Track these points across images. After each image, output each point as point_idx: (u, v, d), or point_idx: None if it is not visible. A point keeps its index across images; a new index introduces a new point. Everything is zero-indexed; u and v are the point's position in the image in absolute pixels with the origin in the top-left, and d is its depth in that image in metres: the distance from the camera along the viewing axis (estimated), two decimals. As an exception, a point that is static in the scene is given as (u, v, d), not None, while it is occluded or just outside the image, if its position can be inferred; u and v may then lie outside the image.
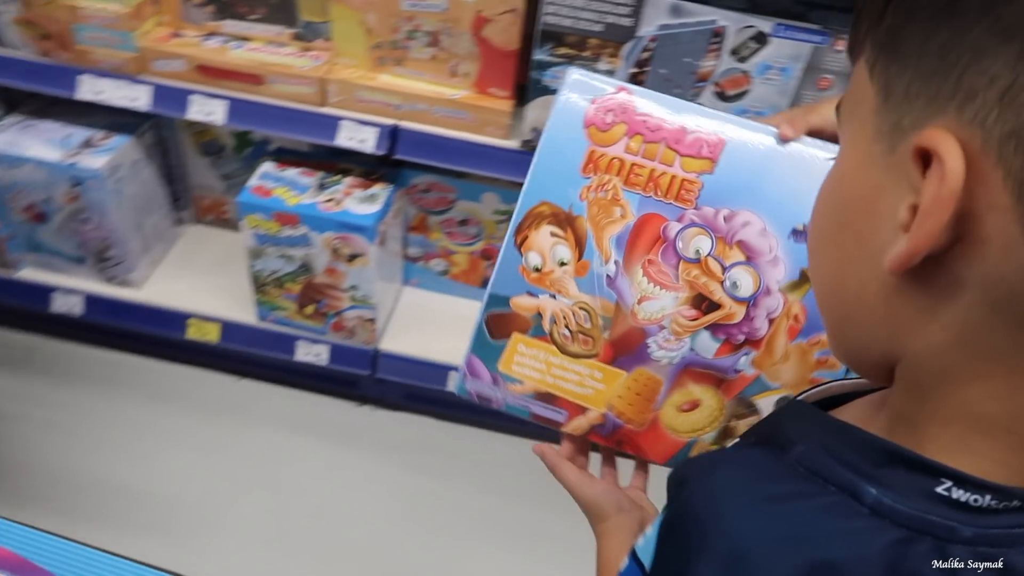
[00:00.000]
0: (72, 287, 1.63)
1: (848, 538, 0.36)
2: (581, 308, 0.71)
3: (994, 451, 0.37)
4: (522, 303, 0.72)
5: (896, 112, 0.35)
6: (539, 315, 0.72)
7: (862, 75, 0.38)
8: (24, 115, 1.54)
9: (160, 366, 1.76)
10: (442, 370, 1.52)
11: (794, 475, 0.39)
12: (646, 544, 0.43)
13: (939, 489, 0.36)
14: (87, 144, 1.49)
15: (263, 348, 1.56)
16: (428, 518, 1.55)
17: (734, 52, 1.14)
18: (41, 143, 1.48)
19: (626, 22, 1.13)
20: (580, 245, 0.70)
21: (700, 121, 0.69)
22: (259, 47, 1.37)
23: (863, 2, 0.37)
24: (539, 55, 1.18)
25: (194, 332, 1.58)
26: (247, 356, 1.65)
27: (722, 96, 1.19)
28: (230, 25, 1.38)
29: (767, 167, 0.67)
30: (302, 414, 1.69)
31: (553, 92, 1.20)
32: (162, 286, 1.64)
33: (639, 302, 0.70)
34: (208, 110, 1.38)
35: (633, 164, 0.68)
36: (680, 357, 0.71)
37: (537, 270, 0.71)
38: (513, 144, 1.30)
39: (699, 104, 0.70)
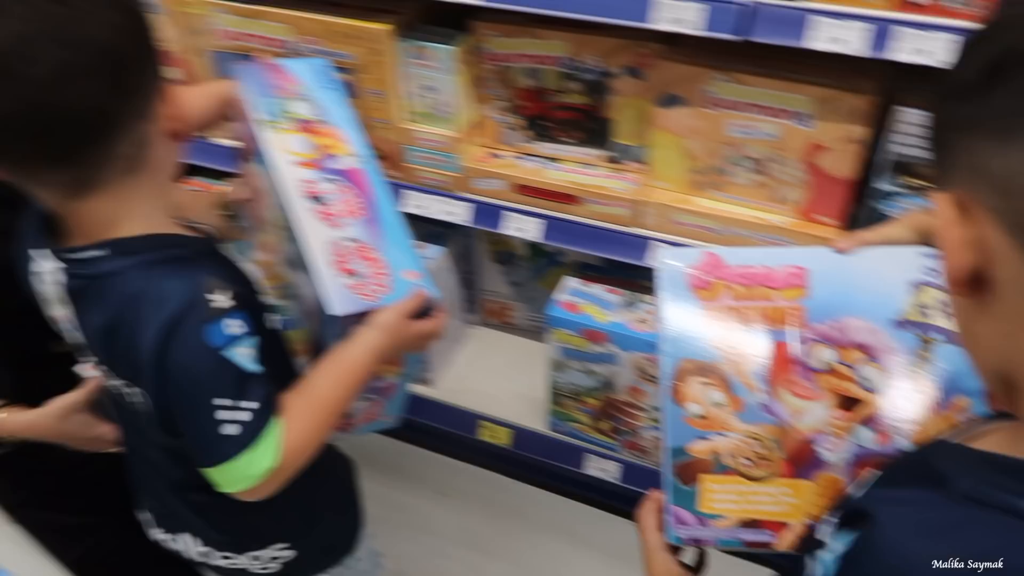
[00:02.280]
0: (374, 380, 1.76)
1: (1013, 545, 0.44)
2: (751, 437, 0.80)
3: None
4: (698, 448, 0.81)
5: (939, 193, 0.51)
6: (717, 455, 0.80)
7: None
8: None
9: (446, 461, 1.83)
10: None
11: (959, 506, 0.47)
12: (831, 559, 0.52)
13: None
14: (405, 252, 1.61)
15: (551, 458, 1.57)
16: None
17: None
18: (366, 250, 1.63)
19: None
20: (728, 385, 0.80)
21: (779, 259, 0.83)
22: (572, 168, 1.42)
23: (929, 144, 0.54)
24: (881, 184, 1.12)
25: (486, 434, 1.63)
26: (531, 462, 1.67)
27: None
28: (545, 147, 1.45)
29: (850, 278, 0.79)
30: (584, 528, 1.67)
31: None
32: (455, 386, 1.72)
33: (796, 417, 0.80)
34: (521, 226, 1.44)
35: (744, 308, 0.81)
36: (849, 454, 0.79)
37: (700, 416, 0.81)
38: (840, 273, 1.23)
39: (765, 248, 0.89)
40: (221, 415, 0.83)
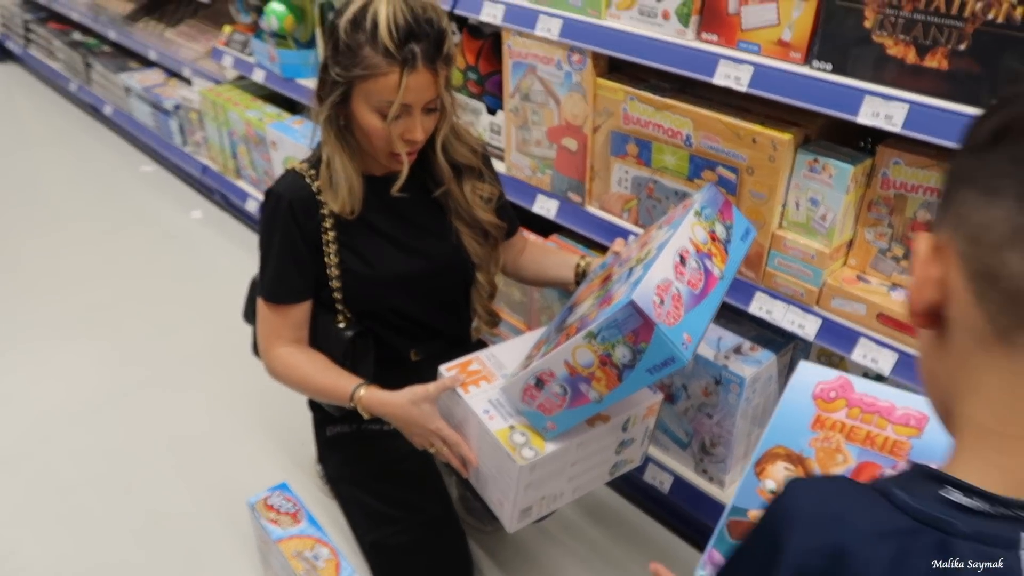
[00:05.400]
0: (668, 465, 1.77)
1: (874, 520, 0.52)
2: None
3: (992, 454, 0.52)
4: (757, 514, 0.86)
5: (922, 232, 0.59)
6: None
7: None
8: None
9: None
10: None
11: (854, 486, 0.57)
12: None
13: (942, 492, 0.51)
14: (736, 350, 1.62)
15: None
16: None
17: None
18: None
19: None
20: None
21: (905, 401, 0.88)
22: (947, 310, 1.35)
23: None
24: None
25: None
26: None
27: None
28: (919, 282, 1.39)
29: None
30: None
31: None
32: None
33: None
34: (873, 356, 1.39)
35: (853, 426, 0.90)
36: None
37: (772, 492, 0.90)
38: None
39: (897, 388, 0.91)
40: None
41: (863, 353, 1.40)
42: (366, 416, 1.42)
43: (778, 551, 0.55)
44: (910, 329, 1.34)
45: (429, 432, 1.36)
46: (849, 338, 1.42)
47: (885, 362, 1.37)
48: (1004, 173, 0.49)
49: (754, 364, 1.57)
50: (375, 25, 1.25)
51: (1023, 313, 0.49)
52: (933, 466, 0.55)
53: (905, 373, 1.35)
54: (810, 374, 0.96)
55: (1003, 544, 0.48)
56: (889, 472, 0.85)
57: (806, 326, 1.47)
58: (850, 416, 0.90)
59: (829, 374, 0.96)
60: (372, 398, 1.40)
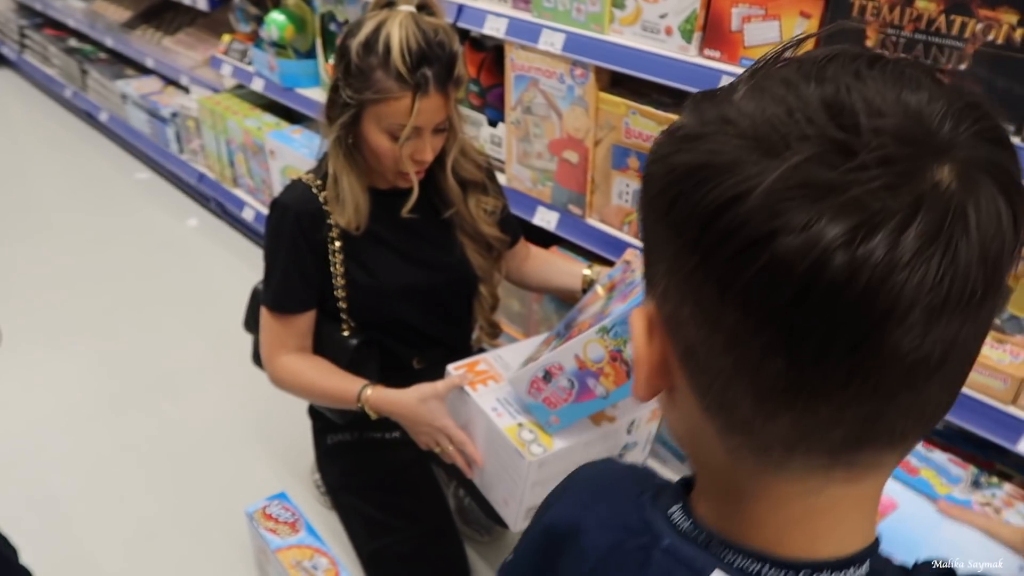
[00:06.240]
0: (667, 478, 1.77)
1: (612, 513, 0.59)
2: None
3: (716, 492, 0.53)
4: None
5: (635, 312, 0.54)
6: None
7: None
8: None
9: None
10: None
11: (624, 481, 0.63)
12: None
13: (669, 510, 0.55)
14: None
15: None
16: None
17: None
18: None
19: None
20: None
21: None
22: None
23: None
24: None
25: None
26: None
27: None
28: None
29: (926, 535, 0.78)
30: None
31: None
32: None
33: None
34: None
35: None
36: None
37: None
38: None
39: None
40: None
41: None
42: (373, 416, 1.42)
43: (549, 508, 0.67)
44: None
45: (435, 430, 1.37)
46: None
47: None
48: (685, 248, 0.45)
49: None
50: (388, 49, 1.25)
51: (716, 386, 0.46)
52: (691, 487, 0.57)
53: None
54: None
55: (690, 568, 0.51)
56: None
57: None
58: None
59: None
60: (380, 396, 1.41)
